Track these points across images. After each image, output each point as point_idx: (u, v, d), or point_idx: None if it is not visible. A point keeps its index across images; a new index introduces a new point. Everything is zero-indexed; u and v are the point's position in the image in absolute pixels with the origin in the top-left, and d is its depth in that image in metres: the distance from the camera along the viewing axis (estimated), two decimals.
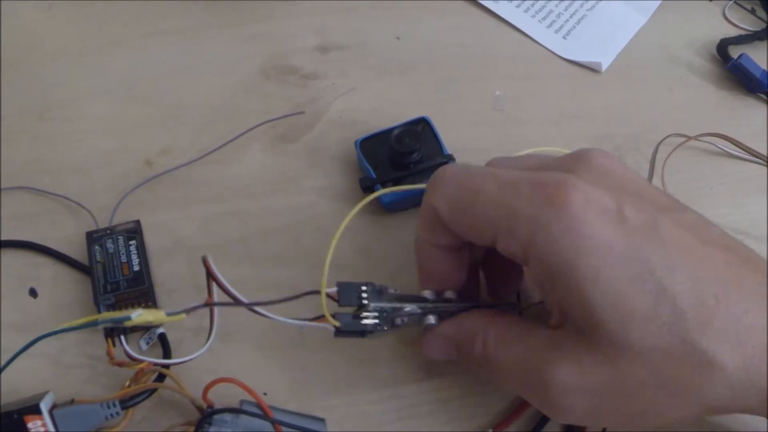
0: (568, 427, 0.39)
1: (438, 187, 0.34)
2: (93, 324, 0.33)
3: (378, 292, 0.35)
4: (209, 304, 0.33)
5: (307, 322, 0.34)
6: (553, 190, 0.30)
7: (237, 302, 0.33)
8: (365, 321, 0.35)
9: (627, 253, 0.29)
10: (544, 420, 0.38)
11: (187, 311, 0.33)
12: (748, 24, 0.59)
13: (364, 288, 0.35)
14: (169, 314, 0.33)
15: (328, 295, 0.34)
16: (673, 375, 0.29)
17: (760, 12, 0.59)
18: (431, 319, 0.36)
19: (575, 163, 0.33)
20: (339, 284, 0.35)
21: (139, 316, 0.32)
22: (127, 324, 0.32)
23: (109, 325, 0.34)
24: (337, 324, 0.34)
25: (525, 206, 0.31)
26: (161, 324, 0.37)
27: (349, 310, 0.35)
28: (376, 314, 0.35)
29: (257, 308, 0.34)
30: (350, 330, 0.34)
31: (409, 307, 0.36)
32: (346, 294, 0.35)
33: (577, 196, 0.30)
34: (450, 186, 0.34)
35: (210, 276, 0.33)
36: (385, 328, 0.35)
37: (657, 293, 0.29)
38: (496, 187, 0.32)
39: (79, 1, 0.57)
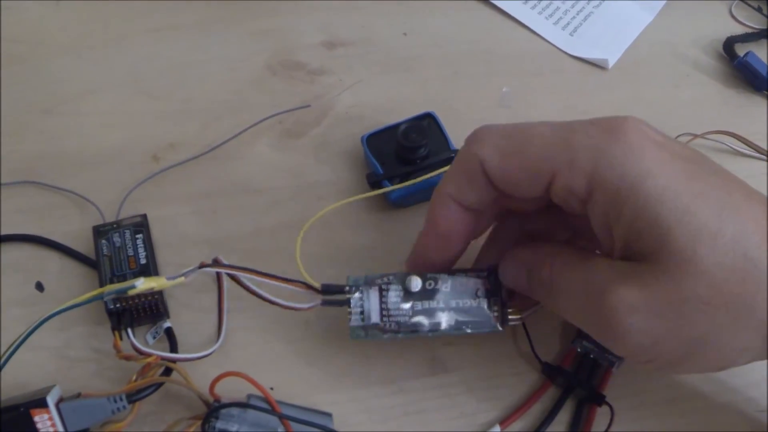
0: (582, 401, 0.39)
1: (484, 137, 0.34)
2: (99, 297, 0.35)
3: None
4: (204, 266, 0.36)
5: (296, 304, 0.37)
6: (608, 124, 0.31)
7: (223, 266, 0.37)
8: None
9: (687, 173, 0.30)
10: (552, 415, 0.38)
11: (186, 274, 0.35)
12: (755, 22, 0.59)
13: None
14: (169, 279, 0.35)
15: (311, 287, 0.37)
16: (736, 294, 0.29)
17: (767, 10, 0.59)
18: (415, 279, 0.37)
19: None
20: (323, 285, 0.37)
21: (142, 284, 0.34)
22: (132, 292, 0.34)
23: (114, 295, 0.35)
24: (317, 285, 0.37)
25: (583, 138, 0.31)
26: (163, 289, 0.37)
27: None
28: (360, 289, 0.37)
29: (250, 285, 0.37)
30: (333, 289, 0.37)
31: (390, 275, 0.37)
32: (328, 286, 0.37)
33: (631, 127, 0.31)
34: (498, 134, 0.34)
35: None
36: (365, 292, 0.37)
37: (721, 209, 0.29)
38: (549, 130, 0.32)
39: None
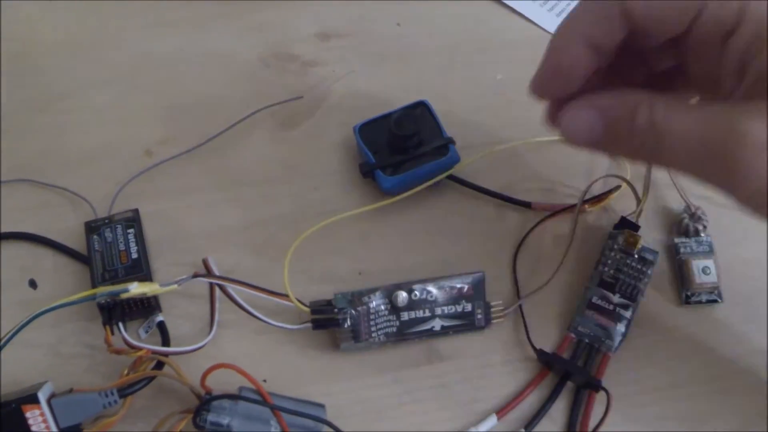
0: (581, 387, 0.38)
1: None
2: (91, 298, 0.36)
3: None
4: (197, 275, 0.38)
5: (286, 325, 0.39)
6: None
7: (214, 276, 0.38)
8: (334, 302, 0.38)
9: None
10: (548, 403, 0.38)
11: (179, 282, 0.36)
12: None
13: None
14: (162, 285, 0.36)
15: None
16: None
17: None
18: (402, 294, 0.38)
19: None
20: (312, 303, 0.39)
21: (135, 288, 0.36)
22: (125, 296, 0.35)
23: (106, 298, 0.36)
24: (306, 310, 0.38)
25: None
26: (156, 294, 0.39)
27: None
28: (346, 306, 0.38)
29: (240, 302, 0.39)
30: (321, 307, 0.38)
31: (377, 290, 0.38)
32: (317, 307, 0.38)
33: None
34: None
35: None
36: (353, 312, 0.38)
37: None
38: None
39: None
